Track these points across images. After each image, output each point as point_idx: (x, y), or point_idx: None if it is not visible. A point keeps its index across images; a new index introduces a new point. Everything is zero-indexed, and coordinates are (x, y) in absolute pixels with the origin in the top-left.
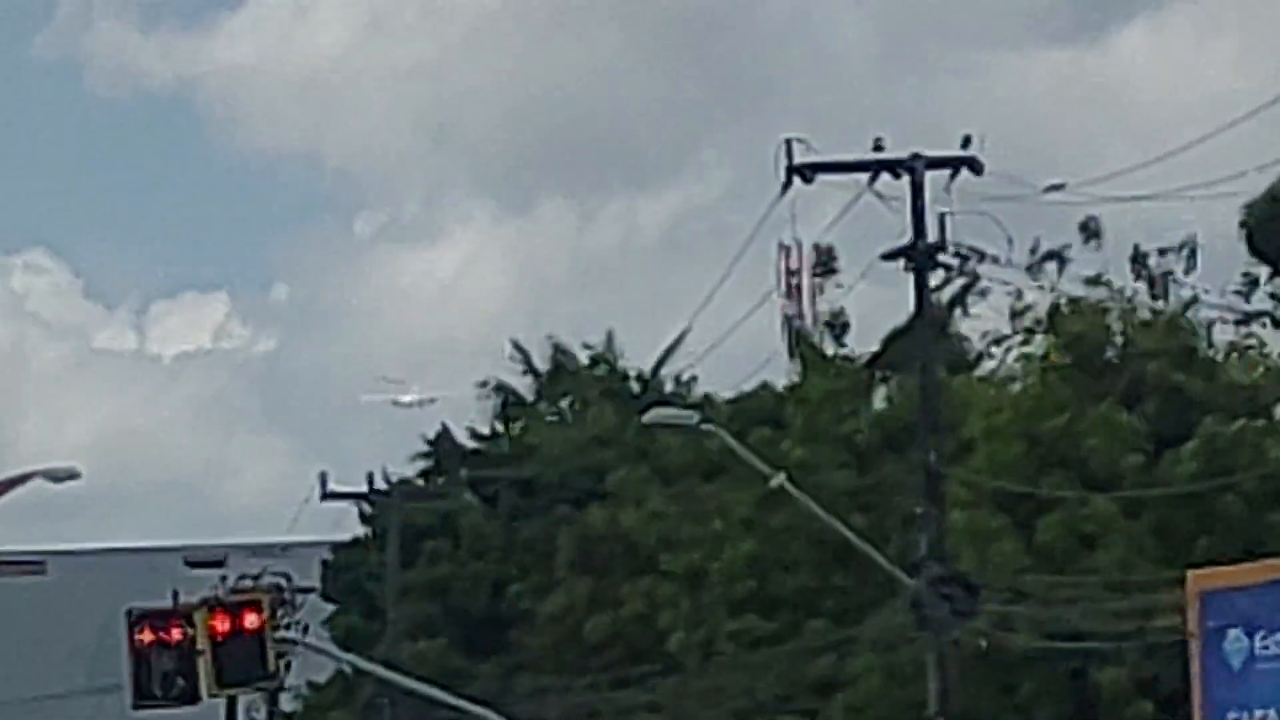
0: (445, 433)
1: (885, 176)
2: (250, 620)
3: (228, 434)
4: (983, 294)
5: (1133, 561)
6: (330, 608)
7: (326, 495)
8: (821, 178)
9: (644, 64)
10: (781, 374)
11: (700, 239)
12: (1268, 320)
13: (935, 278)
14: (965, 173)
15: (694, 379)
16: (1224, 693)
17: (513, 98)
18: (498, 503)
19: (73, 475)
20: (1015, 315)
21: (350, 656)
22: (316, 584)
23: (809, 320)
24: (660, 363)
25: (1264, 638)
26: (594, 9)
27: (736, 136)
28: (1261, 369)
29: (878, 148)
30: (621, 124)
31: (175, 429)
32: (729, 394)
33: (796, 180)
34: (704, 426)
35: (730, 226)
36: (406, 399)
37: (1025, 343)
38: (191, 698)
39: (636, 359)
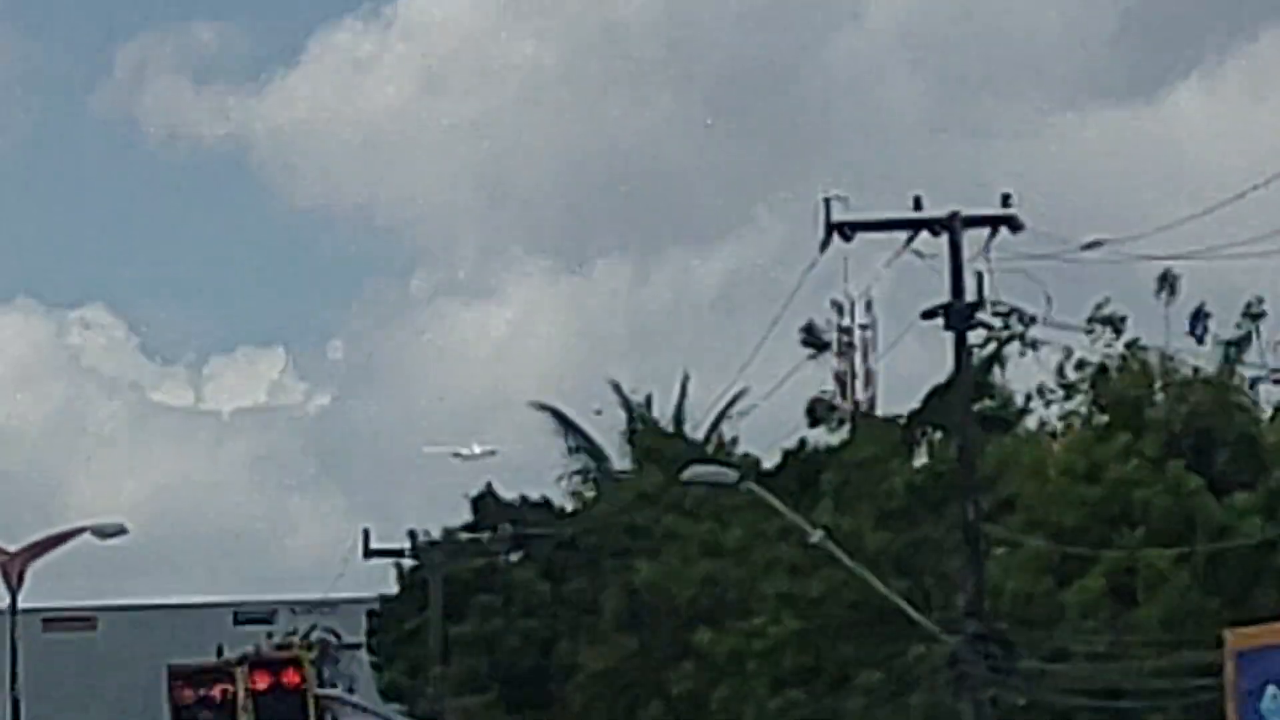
0: (489, 489)
1: (927, 235)
2: (291, 677)
3: (282, 490)
4: (1033, 345)
5: (1177, 618)
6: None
7: (370, 553)
8: (864, 236)
9: (698, 122)
10: (826, 433)
11: (754, 297)
12: None
13: (976, 336)
14: (1009, 231)
15: (735, 439)
16: None
17: (568, 155)
18: (543, 559)
19: (120, 531)
20: (1062, 372)
21: (393, 708)
22: (363, 639)
23: (861, 378)
24: (717, 422)
25: None
26: (648, 68)
27: (791, 194)
28: None
29: (917, 206)
30: (676, 181)
31: (230, 484)
32: (771, 454)
33: (836, 238)
34: (743, 486)
35: (783, 285)
36: (467, 451)
37: (1068, 398)
38: None
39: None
